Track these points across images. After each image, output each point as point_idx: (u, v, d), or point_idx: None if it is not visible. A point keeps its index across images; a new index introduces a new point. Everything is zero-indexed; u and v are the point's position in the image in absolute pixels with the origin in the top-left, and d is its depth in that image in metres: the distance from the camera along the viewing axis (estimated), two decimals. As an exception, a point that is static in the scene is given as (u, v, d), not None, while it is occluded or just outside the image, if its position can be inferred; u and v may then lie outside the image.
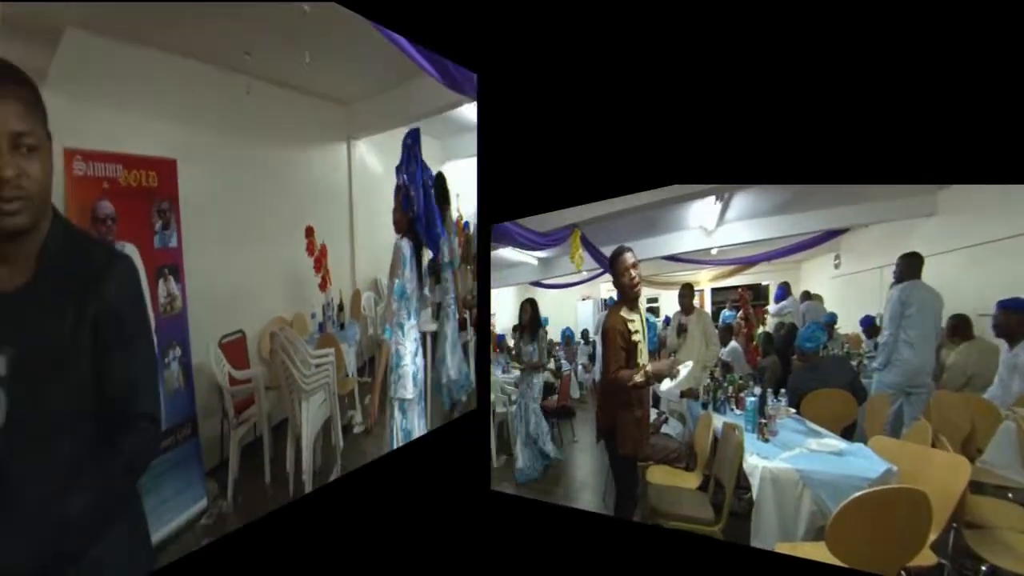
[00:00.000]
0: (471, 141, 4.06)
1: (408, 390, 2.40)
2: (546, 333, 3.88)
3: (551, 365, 3.82)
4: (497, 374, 3.78)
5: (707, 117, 2.24)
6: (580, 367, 3.81)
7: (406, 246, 2.45)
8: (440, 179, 2.92)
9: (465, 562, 2.46)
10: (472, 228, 4.16)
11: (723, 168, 2.28)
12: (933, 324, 2.41)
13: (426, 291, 3.05)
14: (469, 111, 3.63)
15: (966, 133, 1.91)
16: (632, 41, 2.36)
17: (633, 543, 2.44)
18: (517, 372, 3.81)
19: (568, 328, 3.95)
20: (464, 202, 4.13)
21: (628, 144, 2.40)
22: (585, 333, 3.92)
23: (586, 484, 2.97)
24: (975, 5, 1.88)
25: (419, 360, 2.47)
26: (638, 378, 2.37)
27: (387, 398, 2.49)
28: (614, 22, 2.37)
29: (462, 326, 3.61)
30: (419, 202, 2.51)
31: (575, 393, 3.71)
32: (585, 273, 3.41)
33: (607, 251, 2.87)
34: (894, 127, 1.99)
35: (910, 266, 2.43)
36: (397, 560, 2.27)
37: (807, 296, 3.15)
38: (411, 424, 2.47)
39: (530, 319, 3.42)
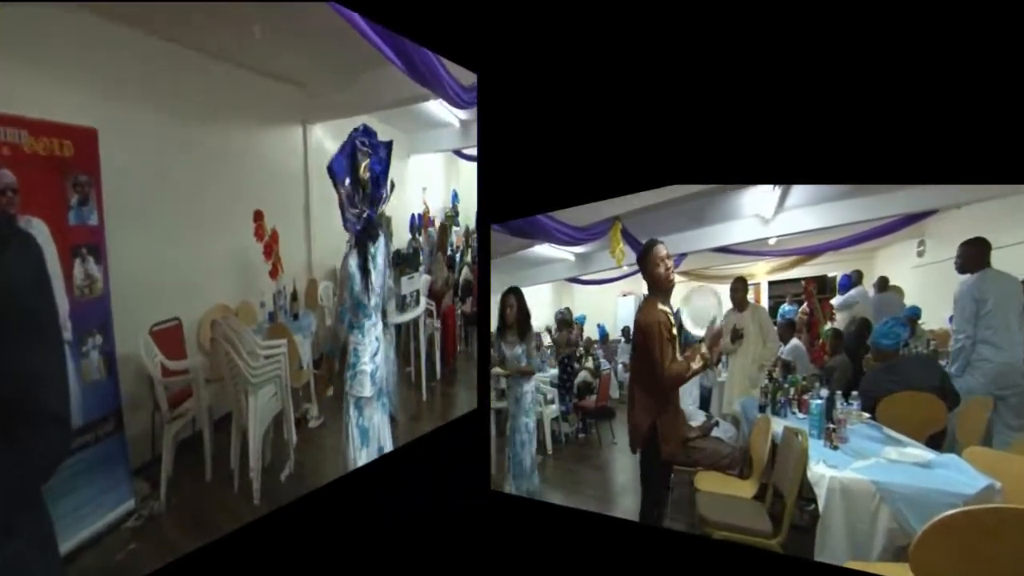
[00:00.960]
0: (438, 136, 3.92)
1: (366, 389, 2.19)
2: (582, 330, 3.65)
3: (589, 364, 3.61)
4: None
5: (707, 117, 2.16)
6: (620, 366, 3.59)
7: (353, 261, 2.20)
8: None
9: (465, 563, 2.37)
10: (438, 223, 4.02)
11: (723, 168, 2.19)
12: (1017, 316, 2.07)
13: (390, 282, 2.88)
14: (435, 107, 3.48)
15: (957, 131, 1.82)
16: (632, 41, 2.28)
17: (634, 546, 2.32)
18: (553, 371, 3.55)
19: (602, 325, 3.73)
20: (431, 196, 3.99)
21: (628, 144, 2.32)
22: (626, 331, 3.67)
23: (626, 488, 2.63)
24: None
25: (379, 359, 2.26)
26: (695, 365, 2.15)
27: (344, 393, 2.30)
28: (614, 22, 2.29)
29: (430, 315, 3.45)
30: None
31: (615, 393, 3.48)
32: (626, 268, 3.13)
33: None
34: (898, 126, 1.90)
35: (975, 255, 2.11)
36: (397, 561, 2.17)
37: (882, 286, 2.68)
38: (368, 421, 2.26)
39: (517, 315, 3.01)
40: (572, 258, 3.60)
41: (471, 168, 3.97)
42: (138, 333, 1.66)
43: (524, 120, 2.52)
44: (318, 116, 2.53)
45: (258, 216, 2.09)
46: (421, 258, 3.40)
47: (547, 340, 3.80)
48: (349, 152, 2.23)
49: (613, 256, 3.02)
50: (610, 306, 3.64)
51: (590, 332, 3.73)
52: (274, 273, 2.17)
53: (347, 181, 2.22)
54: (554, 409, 3.43)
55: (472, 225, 4.03)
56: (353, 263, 2.20)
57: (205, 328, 1.90)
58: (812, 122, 1.99)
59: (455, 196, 4.12)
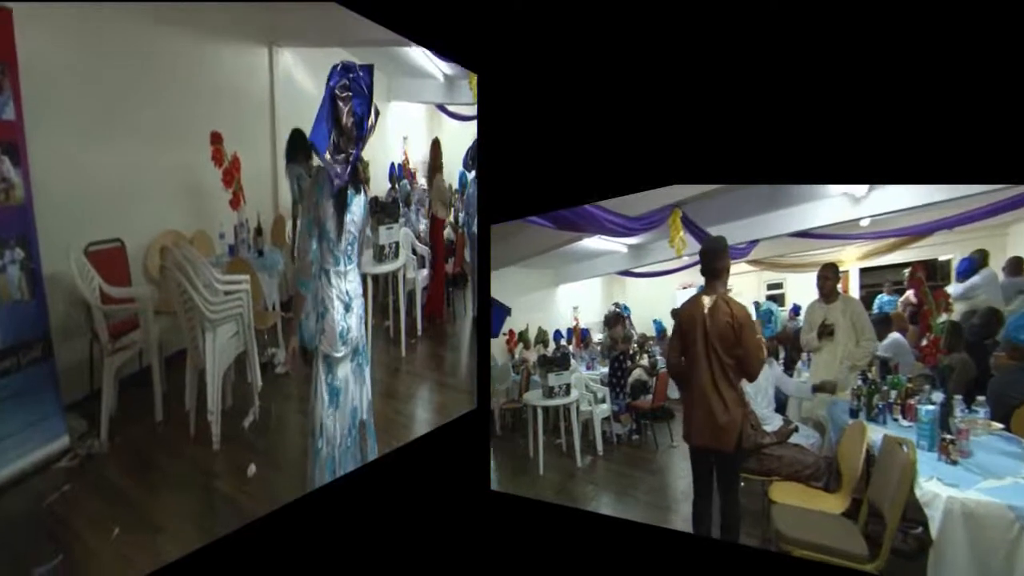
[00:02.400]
0: (421, 87, 3.67)
1: (334, 347, 1.91)
2: (631, 323, 3.40)
3: (644, 361, 3.29)
4: (582, 371, 3.33)
5: (706, 117, 2.10)
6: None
7: (329, 210, 1.87)
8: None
9: (465, 563, 2.32)
10: (420, 175, 3.78)
11: (723, 167, 2.11)
12: None
13: (367, 231, 2.65)
14: (418, 55, 3.22)
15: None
16: (632, 41, 2.23)
17: (635, 545, 2.23)
18: (604, 369, 3.29)
19: (659, 321, 3.43)
20: (412, 147, 3.74)
21: (628, 144, 2.27)
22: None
23: (688, 495, 2.27)
24: None
25: (351, 319, 1.95)
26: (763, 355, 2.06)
27: (314, 348, 2.05)
28: (614, 22, 2.24)
29: (421, 264, 3.24)
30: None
31: (674, 393, 3.12)
32: (686, 258, 2.81)
33: (718, 232, 2.43)
34: (903, 125, 1.82)
35: None
36: (397, 560, 2.10)
37: (1016, 268, 2.14)
38: (339, 381, 2.02)
39: None
40: (624, 250, 3.29)
41: (455, 126, 3.75)
42: (69, 251, 1.43)
43: (524, 120, 2.46)
44: (288, 40, 2.27)
45: (216, 138, 1.85)
46: (400, 208, 3.18)
47: (597, 337, 3.56)
48: (327, 112, 1.94)
49: (672, 246, 2.69)
50: (666, 300, 3.24)
51: (645, 328, 3.41)
52: (235, 203, 1.94)
53: (331, 136, 1.94)
54: (605, 408, 3.18)
55: (456, 184, 3.81)
56: (330, 211, 1.87)
57: (154, 254, 1.67)
58: (811, 121, 1.91)
59: (437, 151, 3.88)
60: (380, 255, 2.90)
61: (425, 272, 3.31)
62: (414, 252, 3.27)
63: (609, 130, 2.29)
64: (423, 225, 3.53)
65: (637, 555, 2.23)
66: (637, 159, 2.26)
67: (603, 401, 3.22)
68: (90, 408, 1.51)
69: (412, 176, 3.67)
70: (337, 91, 1.90)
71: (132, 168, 1.63)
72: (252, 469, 1.85)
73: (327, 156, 1.89)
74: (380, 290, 3.00)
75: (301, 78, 2.35)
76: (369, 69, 2.02)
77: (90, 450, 1.47)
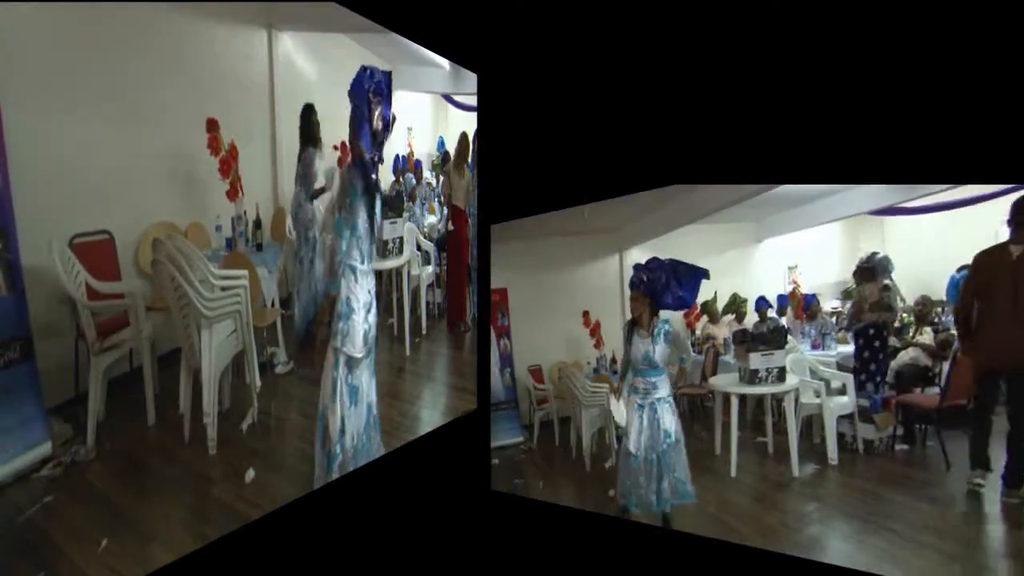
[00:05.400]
0: (426, 76, 3.56)
1: (356, 348, 1.85)
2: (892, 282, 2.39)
3: (924, 337, 2.32)
4: (804, 351, 2.62)
5: (707, 117, 2.11)
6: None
7: (357, 176, 1.83)
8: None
9: (465, 563, 2.30)
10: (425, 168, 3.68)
11: (724, 167, 2.10)
12: None
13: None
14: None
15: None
16: (632, 40, 2.24)
17: (636, 546, 2.18)
18: (842, 348, 2.54)
19: (956, 278, 2.20)
20: (416, 138, 3.64)
21: (628, 144, 2.27)
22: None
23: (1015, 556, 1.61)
24: None
25: (372, 317, 1.91)
26: None
27: (331, 347, 1.96)
28: (614, 22, 2.25)
29: (426, 260, 3.13)
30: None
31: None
32: None
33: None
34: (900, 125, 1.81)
35: None
36: (397, 560, 2.07)
37: None
38: (358, 380, 1.95)
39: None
40: (887, 174, 2.40)
41: (461, 116, 3.64)
42: (52, 242, 1.32)
43: (525, 120, 2.46)
44: (286, 24, 2.16)
45: (212, 125, 1.74)
46: (404, 202, 3.07)
47: (828, 305, 2.78)
48: (366, 115, 1.85)
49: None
50: (969, 243, 2.01)
51: (920, 288, 2.35)
52: (232, 194, 1.83)
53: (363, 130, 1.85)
54: (845, 402, 2.39)
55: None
56: (361, 211, 1.81)
57: (145, 247, 1.56)
58: (813, 120, 1.90)
59: (441, 143, 3.77)
60: (384, 251, 2.81)
61: (430, 269, 3.20)
62: (418, 248, 3.17)
63: (609, 130, 2.27)
64: (429, 220, 3.43)
65: (638, 556, 2.18)
66: (637, 159, 2.24)
67: (841, 392, 2.44)
68: (75, 412, 1.40)
69: (417, 167, 3.57)
70: (371, 95, 1.83)
71: (122, 155, 1.52)
72: (251, 474, 1.75)
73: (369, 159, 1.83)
74: (384, 287, 2.91)
75: (302, 64, 2.24)
76: (388, 75, 1.93)
77: (75, 457, 1.36)
